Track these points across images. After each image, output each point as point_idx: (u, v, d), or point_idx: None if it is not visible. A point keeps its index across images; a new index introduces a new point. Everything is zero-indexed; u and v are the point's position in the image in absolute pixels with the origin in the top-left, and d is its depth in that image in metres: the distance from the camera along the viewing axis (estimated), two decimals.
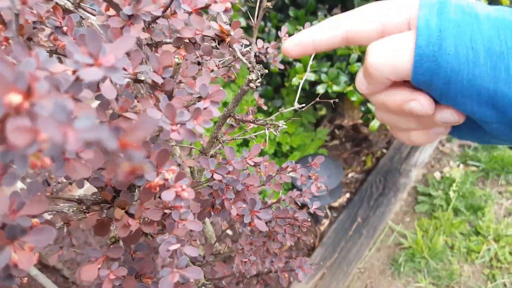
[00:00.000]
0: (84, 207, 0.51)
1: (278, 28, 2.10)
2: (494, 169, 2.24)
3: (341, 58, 2.00)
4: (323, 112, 2.37)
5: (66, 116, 0.18)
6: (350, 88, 1.91)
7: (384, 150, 2.44)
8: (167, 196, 0.40)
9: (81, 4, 0.44)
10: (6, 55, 0.35)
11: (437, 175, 2.26)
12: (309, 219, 0.76)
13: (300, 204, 1.01)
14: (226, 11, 0.41)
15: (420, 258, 1.92)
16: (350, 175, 2.37)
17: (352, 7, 1.88)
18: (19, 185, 1.35)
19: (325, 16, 2.04)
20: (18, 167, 0.24)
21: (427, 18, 0.38)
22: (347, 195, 2.27)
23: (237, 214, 0.63)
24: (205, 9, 0.42)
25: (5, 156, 0.25)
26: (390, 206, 2.13)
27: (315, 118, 2.43)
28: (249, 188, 0.65)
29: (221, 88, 0.45)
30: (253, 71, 0.49)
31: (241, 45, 0.46)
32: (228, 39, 0.44)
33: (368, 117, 1.96)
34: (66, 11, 0.46)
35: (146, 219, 0.48)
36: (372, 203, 2.14)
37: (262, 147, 0.67)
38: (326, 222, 2.17)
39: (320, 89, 1.98)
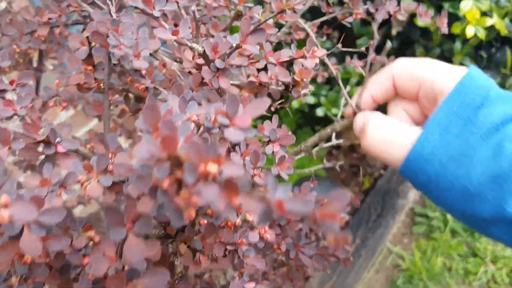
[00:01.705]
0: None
1: None
2: None
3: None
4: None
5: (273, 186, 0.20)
6: None
7: (382, 171, 2.48)
8: (253, 237, 0.42)
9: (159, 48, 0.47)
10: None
11: None
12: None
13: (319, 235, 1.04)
14: (315, 66, 0.45)
15: (418, 280, 1.96)
16: (348, 195, 2.40)
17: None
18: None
19: None
20: (174, 219, 0.26)
21: (428, 138, 0.43)
22: (345, 216, 2.30)
23: (279, 248, 0.65)
24: (288, 62, 0.45)
25: (161, 209, 0.27)
26: (389, 228, 2.17)
27: None
28: (289, 223, 0.68)
29: (290, 133, 0.48)
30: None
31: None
32: (302, 84, 0.47)
33: None
34: None
35: (214, 255, 0.50)
36: (371, 225, 2.18)
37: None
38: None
39: (319, 112, 2.03)
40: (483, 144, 0.41)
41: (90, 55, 0.44)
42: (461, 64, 1.71)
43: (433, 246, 2.06)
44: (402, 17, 0.67)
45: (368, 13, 0.69)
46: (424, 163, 0.42)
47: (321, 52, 0.46)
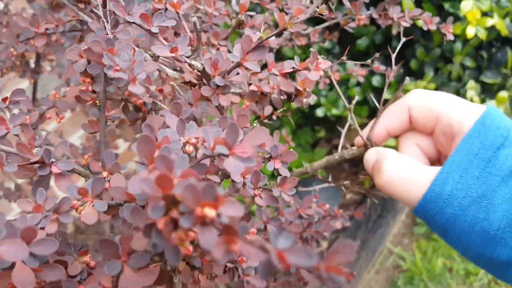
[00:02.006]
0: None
1: None
2: None
3: (340, 82, 2.04)
4: (321, 134, 2.40)
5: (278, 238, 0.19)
6: None
7: None
8: (254, 261, 0.41)
9: (159, 57, 0.45)
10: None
11: None
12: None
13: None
14: (320, 78, 0.44)
15: (419, 281, 1.95)
16: (348, 196, 2.39)
17: None
18: None
19: None
20: (170, 258, 0.25)
21: (447, 179, 0.42)
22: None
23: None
24: (291, 73, 0.44)
25: (157, 247, 0.26)
26: (389, 228, 2.16)
27: (313, 139, 2.46)
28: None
29: (292, 149, 0.47)
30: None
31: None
32: (305, 94, 0.46)
33: None
34: None
35: (213, 273, 0.49)
36: (371, 225, 2.17)
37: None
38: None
39: (319, 112, 2.02)
40: (504, 186, 0.40)
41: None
42: (462, 64, 1.70)
43: (433, 247, 2.05)
44: (406, 23, 0.65)
45: (371, 19, 0.68)
46: (442, 204, 0.41)
47: (326, 64, 0.45)
